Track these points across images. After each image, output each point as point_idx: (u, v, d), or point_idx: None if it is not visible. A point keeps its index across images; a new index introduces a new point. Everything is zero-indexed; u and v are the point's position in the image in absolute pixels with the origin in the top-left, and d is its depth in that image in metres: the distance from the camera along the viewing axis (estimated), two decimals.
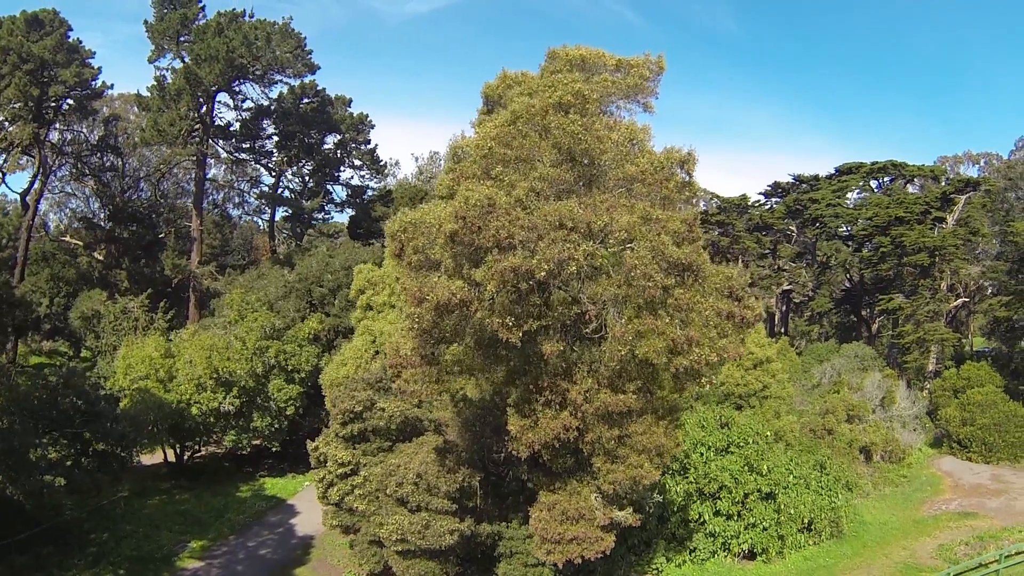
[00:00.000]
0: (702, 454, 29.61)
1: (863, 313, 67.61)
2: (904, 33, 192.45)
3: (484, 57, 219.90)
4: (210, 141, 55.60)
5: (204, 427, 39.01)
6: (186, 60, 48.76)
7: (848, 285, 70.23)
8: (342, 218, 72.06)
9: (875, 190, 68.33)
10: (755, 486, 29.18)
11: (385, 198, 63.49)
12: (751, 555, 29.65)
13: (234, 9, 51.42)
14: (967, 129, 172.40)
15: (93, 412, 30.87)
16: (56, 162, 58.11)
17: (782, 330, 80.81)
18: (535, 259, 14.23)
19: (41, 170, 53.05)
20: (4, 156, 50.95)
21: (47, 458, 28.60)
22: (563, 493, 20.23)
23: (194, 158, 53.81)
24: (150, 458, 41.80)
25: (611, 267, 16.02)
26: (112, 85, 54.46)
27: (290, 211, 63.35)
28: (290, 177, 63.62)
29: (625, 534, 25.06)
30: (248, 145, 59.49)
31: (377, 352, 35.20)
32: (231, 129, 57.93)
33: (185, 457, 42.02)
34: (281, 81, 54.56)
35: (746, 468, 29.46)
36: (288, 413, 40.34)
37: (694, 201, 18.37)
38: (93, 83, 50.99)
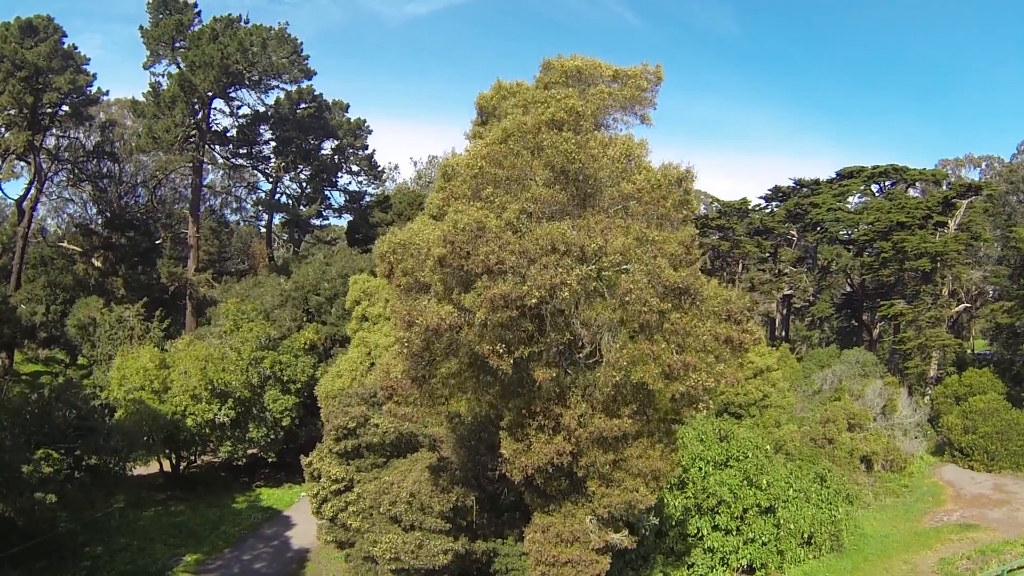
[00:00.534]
0: (700, 468, 29.26)
1: (864, 318, 67.21)
2: (904, 35, 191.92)
3: (483, 59, 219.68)
4: (207, 147, 55.27)
5: (199, 438, 38.75)
6: (181, 67, 48.40)
7: (849, 289, 69.83)
8: (341, 222, 71.92)
9: (876, 194, 67.91)
10: (754, 501, 28.84)
11: (383, 204, 63.16)
12: (750, 570, 29.31)
13: (229, 14, 51.19)
14: (968, 132, 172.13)
15: (86, 427, 30.60)
16: (52, 168, 57.86)
17: (783, 333, 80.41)
18: (526, 285, 13.88)
19: (36, 177, 52.75)
20: None
21: (39, 473, 28.31)
22: (558, 515, 19.87)
23: (190, 164, 53.45)
24: (146, 468, 41.51)
25: (606, 290, 15.66)
26: (108, 91, 54.32)
27: (288, 217, 63.04)
28: (287, 183, 63.32)
29: (622, 549, 24.73)
30: (245, 151, 59.18)
31: (372, 364, 34.88)
32: (228, 135, 57.62)
33: (181, 467, 41.73)
34: (277, 87, 54.27)
35: (745, 482, 29.11)
36: (284, 424, 40.05)
37: (692, 220, 17.94)
38: (88, 89, 50.72)
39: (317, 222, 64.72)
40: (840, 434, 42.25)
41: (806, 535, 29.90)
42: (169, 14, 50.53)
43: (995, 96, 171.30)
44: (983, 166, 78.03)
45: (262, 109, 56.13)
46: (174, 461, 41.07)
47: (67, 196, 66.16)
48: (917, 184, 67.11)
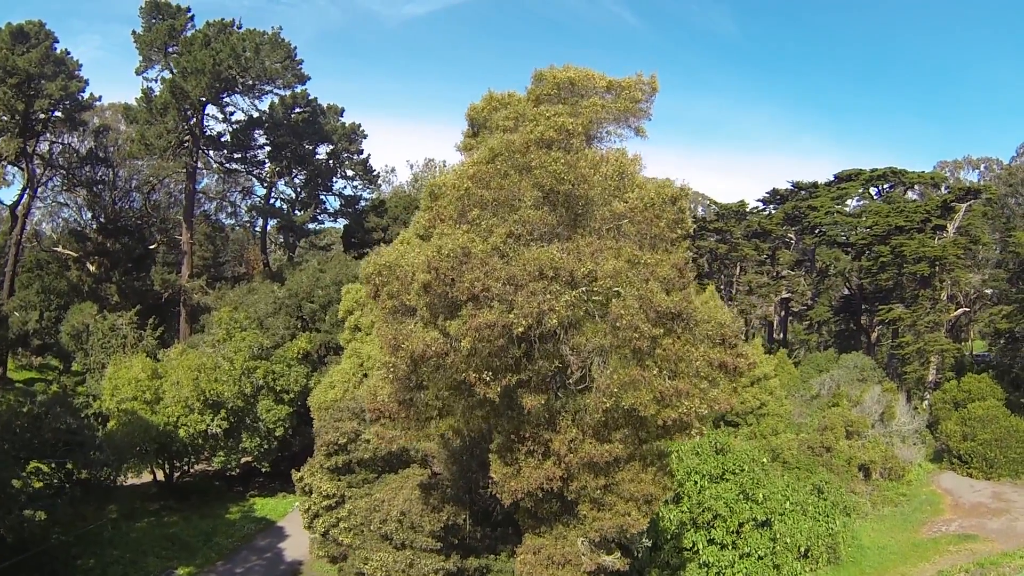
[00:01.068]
0: (696, 482, 28.97)
1: (862, 321, 66.91)
2: (903, 35, 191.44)
3: (482, 59, 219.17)
4: (201, 151, 54.92)
5: (192, 448, 38.46)
6: (173, 73, 48.02)
7: (847, 292, 69.54)
8: (337, 225, 71.46)
9: (875, 197, 67.57)
10: (750, 515, 28.55)
11: (378, 208, 62.81)
12: None
13: (223, 19, 50.73)
14: (967, 133, 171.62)
15: (76, 441, 30.31)
16: (46, 174, 57.50)
17: (780, 335, 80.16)
18: (512, 313, 13.56)
19: (29, 183, 52.41)
20: None
21: (30, 488, 28.04)
22: (548, 537, 19.58)
23: (183, 171, 53.10)
24: (139, 478, 41.22)
25: (597, 314, 15.34)
26: (100, 97, 53.96)
27: (282, 222, 62.69)
28: (282, 187, 63.02)
29: (615, 571, 24.42)
30: (239, 155, 58.79)
31: (365, 375, 34.58)
32: (222, 140, 57.24)
33: (175, 476, 41.43)
34: (271, 92, 53.87)
35: (741, 496, 28.81)
36: (277, 434, 39.75)
37: (687, 239, 17.58)
38: (81, 95, 50.35)
39: (312, 226, 64.44)
40: (838, 442, 41.97)
41: (803, 548, 29.62)
42: (162, 19, 50.14)
43: (994, 97, 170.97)
44: (982, 168, 77.73)
45: (256, 114, 55.75)
46: (167, 471, 40.78)
47: (62, 201, 65.87)
48: (916, 187, 66.77)
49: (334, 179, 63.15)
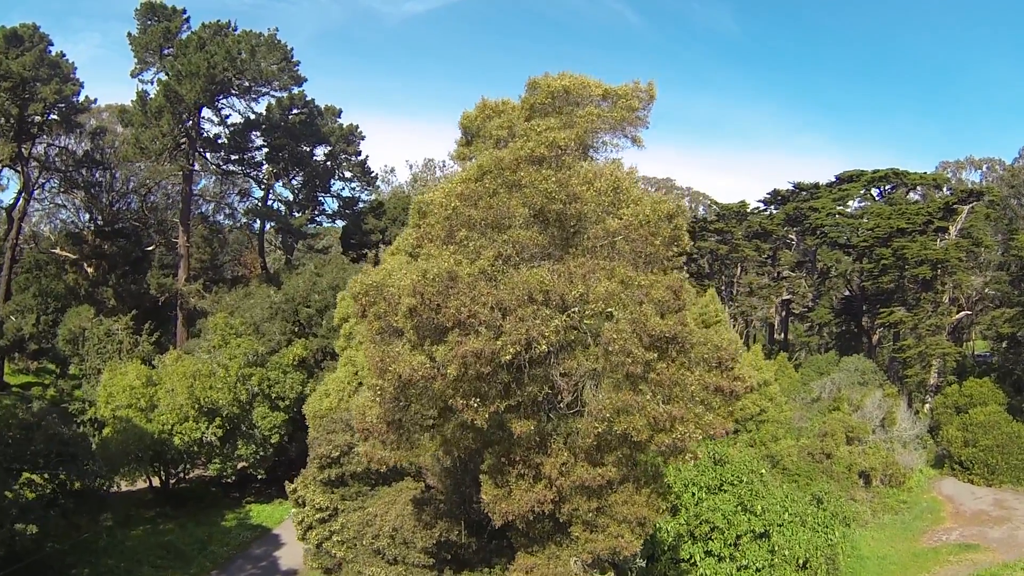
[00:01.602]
0: (694, 494, 28.66)
1: (864, 323, 66.50)
2: (905, 33, 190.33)
3: (482, 57, 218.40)
4: (198, 153, 54.57)
5: (187, 455, 38.24)
6: (168, 75, 47.62)
7: (848, 293, 69.10)
8: (336, 225, 71.09)
9: (876, 198, 67.07)
10: (748, 527, 28.22)
11: (377, 210, 62.49)
12: None
13: (218, 20, 50.31)
14: (970, 133, 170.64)
15: (68, 453, 30.07)
16: (43, 176, 57.19)
17: (781, 336, 79.76)
18: (500, 340, 13.22)
19: (25, 187, 52.11)
20: None
21: (22, 500, 27.81)
22: (541, 556, 19.28)
23: (179, 174, 52.76)
24: (134, 484, 41.00)
25: (589, 337, 14.99)
26: (96, 99, 53.61)
27: (278, 225, 62.38)
28: (280, 189, 62.68)
29: None
30: (236, 157, 58.44)
31: (360, 383, 34.25)
32: (219, 141, 56.89)
33: (171, 483, 41.23)
34: (267, 94, 53.43)
35: (739, 508, 28.48)
36: (273, 441, 39.53)
37: (682, 260, 17.18)
38: (76, 98, 49.98)
39: (311, 227, 64.10)
40: (838, 448, 41.65)
41: (801, 560, 29.26)
42: (157, 21, 49.74)
43: (997, 97, 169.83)
44: (984, 168, 77.14)
45: (252, 116, 55.36)
46: (163, 477, 40.58)
47: (59, 202, 65.57)
48: (918, 188, 66.25)
49: (332, 180, 62.83)
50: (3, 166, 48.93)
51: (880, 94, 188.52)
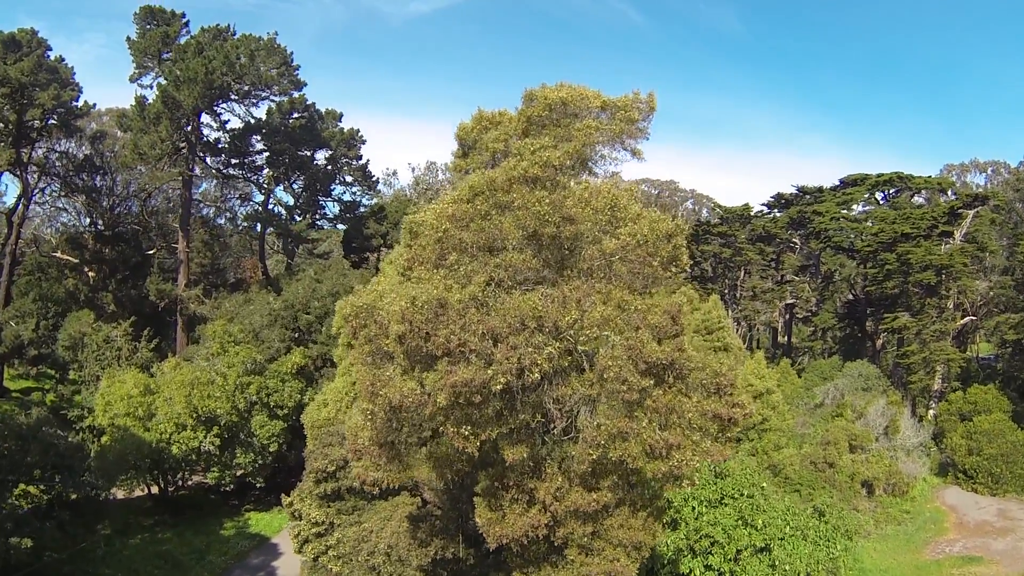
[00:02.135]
0: (693, 508, 28.34)
1: (867, 328, 66.03)
2: (910, 34, 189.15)
3: (486, 57, 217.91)
4: (198, 157, 54.38)
5: (186, 464, 38.11)
6: (167, 80, 47.42)
7: (852, 298, 68.63)
8: (337, 227, 70.89)
9: (880, 202, 66.55)
10: (749, 541, 27.88)
11: (378, 214, 62.26)
12: None
13: (217, 25, 50.10)
14: (974, 136, 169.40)
15: (64, 464, 29.93)
16: (43, 180, 57.10)
17: (785, 339, 79.32)
18: (491, 369, 12.94)
19: (24, 192, 52.02)
20: None
21: (19, 511, 27.69)
22: None
23: (179, 179, 52.58)
24: (133, 492, 40.89)
25: (585, 362, 14.69)
26: (95, 104, 53.47)
27: (278, 230, 62.20)
28: (280, 194, 62.49)
29: None
30: (237, 161, 58.26)
31: (357, 395, 34.02)
32: (219, 145, 56.70)
33: (169, 491, 41.12)
34: (267, 98, 53.19)
35: (740, 522, 28.15)
36: (271, 449, 39.36)
37: (681, 280, 16.87)
38: (75, 103, 49.80)
39: (312, 232, 63.83)
40: (841, 456, 41.27)
41: (802, 574, 28.94)
42: (156, 25, 49.56)
43: (1002, 99, 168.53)
44: (989, 171, 76.49)
45: (252, 121, 55.17)
46: (162, 485, 40.47)
47: (60, 206, 65.48)
48: (922, 192, 65.71)
49: (333, 185, 62.65)
50: (2, 171, 48.75)
51: (884, 95, 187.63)
